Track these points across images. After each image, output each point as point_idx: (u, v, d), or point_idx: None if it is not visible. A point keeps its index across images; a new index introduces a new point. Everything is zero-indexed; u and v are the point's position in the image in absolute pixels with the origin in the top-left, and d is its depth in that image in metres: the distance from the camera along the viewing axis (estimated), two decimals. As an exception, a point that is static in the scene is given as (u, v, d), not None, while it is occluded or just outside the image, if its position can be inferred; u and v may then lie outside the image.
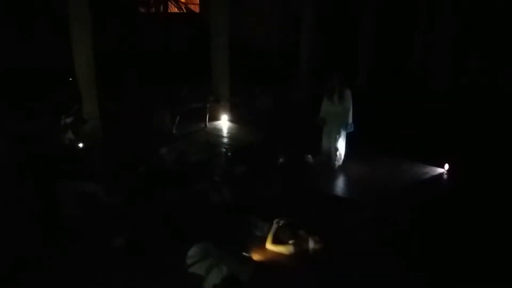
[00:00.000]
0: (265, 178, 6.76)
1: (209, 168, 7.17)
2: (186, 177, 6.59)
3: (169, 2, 14.98)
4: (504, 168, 7.48)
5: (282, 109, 11.15)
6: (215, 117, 10.36)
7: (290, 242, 4.86)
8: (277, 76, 13.46)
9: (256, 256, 4.78)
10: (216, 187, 6.20)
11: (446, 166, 7.33)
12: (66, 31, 8.44)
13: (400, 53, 14.67)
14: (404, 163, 7.65)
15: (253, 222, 5.25)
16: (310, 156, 7.57)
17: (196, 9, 17.26)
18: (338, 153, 7.33)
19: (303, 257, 4.75)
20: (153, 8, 14.86)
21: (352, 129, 7.29)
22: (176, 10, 15.19)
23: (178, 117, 9.49)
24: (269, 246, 4.93)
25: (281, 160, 7.52)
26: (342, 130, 7.24)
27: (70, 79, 8.71)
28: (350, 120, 7.24)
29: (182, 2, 15.73)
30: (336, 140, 7.28)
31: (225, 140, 9.13)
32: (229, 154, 7.64)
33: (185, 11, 15.32)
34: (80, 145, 8.04)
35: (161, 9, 14.87)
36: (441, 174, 7.29)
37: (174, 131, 9.41)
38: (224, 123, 10.31)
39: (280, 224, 5.05)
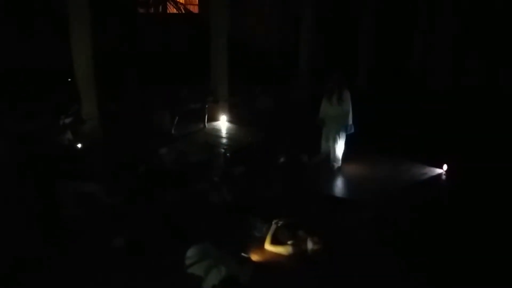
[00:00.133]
0: (265, 178, 6.76)
1: (209, 168, 7.17)
2: (186, 177, 6.59)
3: (168, 3, 14.99)
4: (504, 168, 7.48)
5: (281, 109, 11.15)
6: (214, 118, 10.35)
7: (289, 242, 4.86)
8: (277, 76, 13.46)
9: (255, 257, 4.77)
10: (216, 187, 6.20)
11: (445, 167, 7.32)
12: (65, 31, 8.44)
13: (400, 53, 14.67)
14: (403, 164, 7.65)
15: (252, 223, 5.25)
16: (306, 155, 7.57)
17: (195, 9, 17.27)
18: (337, 154, 7.33)
19: (302, 257, 4.74)
20: (152, 9, 14.86)
21: (352, 131, 7.29)
22: (174, 11, 15.20)
23: (177, 117, 9.49)
24: (268, 246, 4.92)
25: (281, 160, 7.53)
26: (341, 132, 7.24)
27: (69, 79, 8.70)
28: (350, 121, 7.23)
29: (181, 3, 15.74)
30: (335, 141, 7.27)
31: (224, 140, 9.12)
32: (228, 154, 7.64)
33: (183, 11, 15.33)
34: (79, 145, 8.04)
35: (160, 10, 14.87)
36: (440, 174, 7.29)
37: (173, 131, 9.41)
38: (223, 123, 10.31)
39: (279, 225, 5.05)
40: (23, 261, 4.70)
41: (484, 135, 9.32)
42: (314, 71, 12.25)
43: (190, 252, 4.51)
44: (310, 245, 4.75)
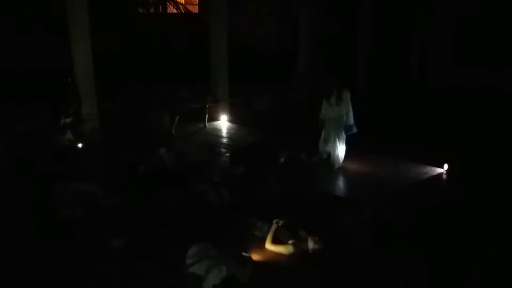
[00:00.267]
0: (265, 178, 6.75)
1: (209, 168, 7.16)
2: (186, 177, 6.58)
3: (168, 3, 14.99)
4: (504, 168, 7.49)
5: (281, 110, 11.15)
6: (214, 118, 10.36)
7: (290, 242, 4.85)
8: (277, 76, 13.46)
9: (255, 256, 4.77)
10: (216, 187, 6.19)
11: (446, 166, 7.32)
12: (65, 31, 8.43)
13: (400, 53, 14.66)
14: (403, 163, 7.65)
15: (253, 223, 5.24)
16: (306, 155, 7.57)
17: (195, 9, 17.28)
18: (336, 154, 7.32)
19: (302, 257, 4.74)
20: (152, 9, 14.86)
21: (355, 131, 7.28)
22: (174, 11, 15.20)
23: (178, 117, 9.49)
24: (269, 246, 4.92)
25: (282, 159, 7.53)
26: (341, 133, 7.22)
27: (69, 80, 8.69)
28: (351, 122, 7.23)
29: (181, 3, 15.75)
30: (335, 143, 7.27)
31: (225, 140, 9.12)
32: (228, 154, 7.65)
33: (183, 11, 15.34)
34: (79, 145, 8.03)
35: (160, 10, 14.87)
36: (441, 174, 7.29)
37: (173, 131, 9.41)
38: (223, 123, 10.31)
39: (280, 224, 5.04)
40: (21, 261, 4.69)
41: (484, 135, 9.33)
42: (313, 72, 12.25)
43: (191, 252, 4.49)
44: (310, 244, 4.74)
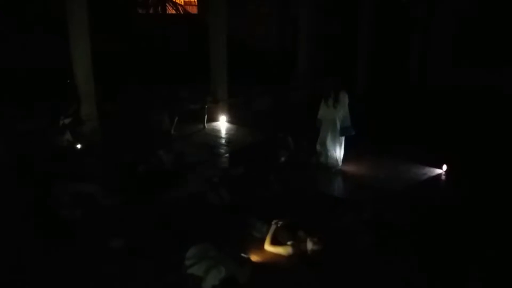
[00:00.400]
0: (264, 178, 6.74)
1: (208, 169, 7.16)
2: (185, 178, 6.57)
3: (167, 4, 15.00)
4: (503, 168, 7.48)
5: (281, 110, 11.14)
6: (213, 118, 10.35)
7: (289, 243, 4.84)
8: (276, 76, 13.46)
9: (254, 257, 4.76)
10: (215, 187, 6.19)
11: (444, 167, 7.32)
12: (65, 32, 8.43)
13: (400, 53, 14.66)
14: (402, 164, 7.64)
15: (252, 223, 5.24)
16: (305, 155, 7.57)
17: (194, 10, 17.29)
18: (334, 156, 7.31)
19: (301, 258, 4.73)
20: (152, 9, 14.87)
21: (352, 133, 7.26)
22: (173, 12, 15.22)
23: (177, 118, 9.48)
24: (268, 247, 4.91)
25: (281, 160, 7.53)
26: (338, 134, 7.21)
27: (69, 80, 8.69)
28: (347, 124, 7.20)
29: (180, 4, 15.77)
30: (332, 143, 7.26)
31: (224, 141, 9.11)
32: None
33: (181, 12, 15.36)
34: (79, 146, 8.03)
35: (159, 10, 14.88)
36: (439, 174, 7.28)
37: (172, 131, 9.40)
38: (222, 124, 10.30)
39: (279, 225, 5.04)
40: (21, 261, 4.68)
41: (484, 135, 9.32)
42: (313, 72, 12.24)
43: (190, 253, 4.50)
44: (310, 245, 4.73)
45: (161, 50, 13.70)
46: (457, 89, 12.90)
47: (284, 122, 10.03)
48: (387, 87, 13.62)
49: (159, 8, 14.83)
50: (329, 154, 7.31)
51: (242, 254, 4.67)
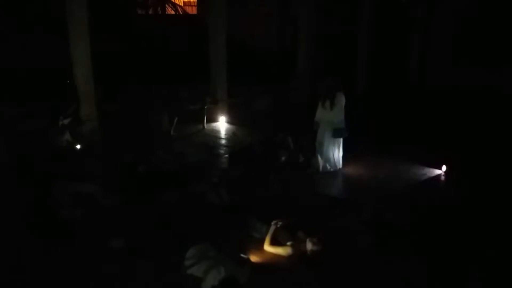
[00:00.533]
0: (264, 178, 6.74)
1: (208, 169, 7.16)
2: (185, 178, 6.57)
3: (166, 5, 15.01)
4: (504, 168, 7.48)
5: (281, 110, 11.14)
6: (213, 119, 10.35)
7: (288, 243, 4.84)
8: (276, 76, 13.46)
9: (254, 258, 4.76)
10: (215, 188, 6.18)
11: (444, 167, 7.32)
12: (65, 32, 8.43)
13: (400, 53, 14.66)
14: (402, 164, 7.64)
15: (251, 224, 5.23)
16: (305, 156, 7.57)
17: (194, 10, 17.31)
18: (332, 157, 7.30)
19: (301, 258, 4.73)
20: (151, 10, 14.87)
21: (344, 135, 7.24)
22: (172, 12, 15.23)
23: (176, 118, 9.48)
24: (267, 247, 4.90)
25: (282, 159, 7.53)
26: (334, 136, 7.20)
27: (68, 80, 8.69)
28: (341, 125, 7.18)
29: (179, 5, 15.78)
30: (330, 145, 7.25)
31: (223, 141, 9.11)
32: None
33: (181, 13, 15.37)
34: (78, 146, 8.03)
35: (159, 11, 14.88)
36: (439, 175, 7.28)
37: (172, 132, 9.40)
38: (222, 124, 10.30)
39: (279, 226, 5.03)
40: (21, 261, 4.68)
41: (484, 135, 9.32)
42: (313, 72, 12.24)
43: (190, 253, 4.50)
44: (309, 246, 4.73)
45: (161, 50, 13.71)
46: (457, 89, 12.90)
47: (284, 122, 10.03)
48: (387, 87, 13.62)
49: (159, 9, 14.83)
50: (326, 156, 7.29)
51: (242, 255, 4.67)
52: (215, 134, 9.65)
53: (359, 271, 4.57)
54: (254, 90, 11.73)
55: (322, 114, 7.23)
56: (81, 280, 4.40)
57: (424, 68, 14.31)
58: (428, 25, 13.98)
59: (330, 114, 7.14)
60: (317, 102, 7.35)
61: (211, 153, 8.24)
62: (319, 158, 7.31)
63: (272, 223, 5.07)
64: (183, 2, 17.06)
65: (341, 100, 7.12)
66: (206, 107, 10.06)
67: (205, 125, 10.00)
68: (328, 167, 7.31)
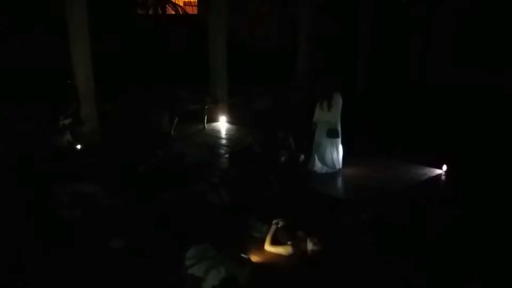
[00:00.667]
0: (264, 178, 6.74)
1: (208, 169, 7.16)
2: (185, 178, 6.57)
3: (167, 5, 15.02)
4: (504, 168, 7.48)
5: (281, 110, 11.14)
6: (213, 119, 10.35)
7: (289, 243, 4.84)
8: (276, 76, 13.46)
9: (254, 257, 4.76)
10: (215, 188, 6.18)
11: (444, 167, 7.31)
12: (65, 32, 8.43)
13: (400, 53, 14.67)
14: (402, 164, 7.64)
15: (252, 223, 5.23)
16: (303, 155, 7.57)
17: (194, 10, 17.31)
18: (330, 158, 7.29)
19: (301, 258, 4.73)
20: (151, 10, 14.88)
21: (337, 137, 7.22)
22: (173, 12, 15.24)
23: (177, 118, 9.48)
24: (268, 247, 4.90)
25: (282, 159, 7.53)
26: (326, 136, 7.20)
27: (68, 81, 8.70)
28: (336, 126, 7.17)
29: (179, 5, 15.79)
30: (328, 146, 7.24)
31: (224, 141, 9.11)
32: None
33: (181, 13, 15.38)
34: (78, 146, 8.03)
35: (159, 11, 14.89)
36: (439, 175, 7.28)
37: (172, 132, 9.40)
38: (222, 124, 10.30)
39: (279, 226, 5.03)
40: (21, 261, 4.68)
41: (484, 135, 9.32)
42: (313, 72, 12.25)
43: (190, 253, 4.49)
44: (309, 245, 4.73)
45: (161, 50, 13.71)
46: (457, 89, 12.92)
47: (284, 122, 10.02)
48: (387, 87, 13.62)
49: (159, 9, 14.83)
50: (324, 156, 7.27)
51: (242, 255, 4.66)
52: (215, 134, 9.65)
53: (359, 271, 4.57)
54: (254, 90, 11.73)
55: (320, 115, 7.24)
56: (81, 280, 4.40)
57: (424, 68, 14.32)
58: (428, 25, 13.99)
59: (328, 115, 7.14)
60: (315, 103, 7.35)
61: (211, 153, 8.24)
62: (316, 158, 7.31)
63: (273, 222, 5.07)
64: (183, 2, 17.07)
65: (339, 101, 7.12)
66: (206, 107, 10.06)
67: (205, 125, 10.01)
68: (326, 168, 7.29)
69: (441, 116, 10.81)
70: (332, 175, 7.26)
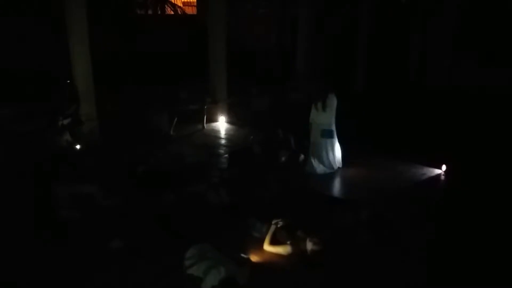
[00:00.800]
0: (263, 179, 6.74)
1: (207, 169, 7.16)
2: (184, 178, 6.57)
3: (166, 5, 15.03)
4: (503, 168, 7.48)
5: (280, 110, 11.13)
6: (213, 119, 10.35)
7: (288, 243, 4.84)
8: (275, 77, 13.46)
9: (254, 258, 4.76)
10: (214, 188, 6.18)
11: (444, 167, 7.32)
12: (64, 32, 8.43)
13: (400, 53, 14.68)
14: (402, 164, 7.64)
15: (251, 223, 5.23)
16: (302, 155, 7.57)
17: (194, 10, 17.32)
18: (328, 158, 7.28)
19: (301, 258, 4.73)
20: (151, 10, 14.89)
21: (332, 137, 7.22)
22: (172, 13, 15.25)
23: (176, 118, 9.48)
24: (267, 247, 4.91)
25: (282, 159, 7.52)
26: (320, 136, 7.20)
27: (68, 80, 8.69)
28: (330, 127, 7.17)
29: (178, 6, 15.80)
30: (325, 146, 7.23)
31: (223, 141, 9.11)
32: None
33: (180, 13, 15.39)
34: (77, 146, 8.03)
35: (158, 11, 14.90)
36: (439, 175, 7.28)
37: (172, 132, 9.39)
38: (222, 124, 10.30)
39: (279, 225, 5.03)
40: (21, 261, 4.68)
41: (484, 135, 9.32)
42: (313, 72, 12.25)
43: (189, 253, 4.50)
44: (309, 245, 4.73)
45: (160, 50, 13.71)
46: (457, 89, 12.92)
47: (284, 122, 10.02)
48: (387, 87, 13.62)
49: (158, 9, 14.85)
50: (320, 156, 7.25)
51: (242, 254, 4.67)
52: (214, 134, 9.65)
53: (359, 271, 4.57)
54: (253, 90, 11.72)
55: (315, 115, 7.25)
56: (81, 280, 4.40)
57: (424, 68, 14.32)
58: (428, 25, 14.00)
59: (322, 115, 7.14)
60: (311, 103, 7.36)
61: (211, 153, 8.23)
62: (313, 159, 7.31)
63: (273, 222, 5.07)
64: (183, 2, 17.06)
65: (333, 102, 7.12)
66: (205, 107, 10.06)
67: (204, 125, 10.00)
68: (324, 168, 7.29)
69: (441, 116, 10.81)
70: (331, 175, 7.26)
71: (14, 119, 8.38)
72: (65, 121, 8.23)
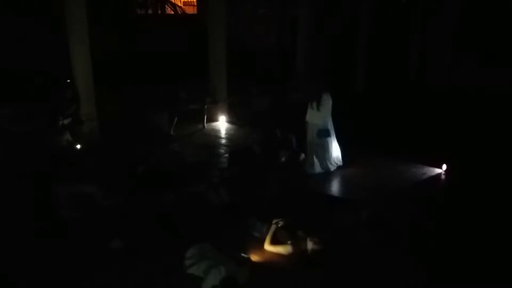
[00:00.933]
0: (264, 178, 6.74)
1: (208, 169, 7.16)
2: (185, 178, 6.57)
3: (166, 5, 15.02)
4: (503, 168, 7.48)
5: (280, 110, 11.13)
6: (213, 118, 10.35)
7: (289, 242, 4.84)
8: (276, 76, 13.46)
9: (254, 257, 4.76)
10: (215, 188, 6.18)
11: (444, 167, 7.32)
12: (64, 32, 8.43)
13: (400, 53, 14.68)
14: (402, 164, 7.64)
15: (251, 223, 5.24)
16: (303, 155, 7.57)
17: (194, 10, 17.32)
18: (325, 158, 7.28)
19: (301, 257, 4.73)
20: (151, 10, 14.88)
21: (327, 137, 7.21)
22: (172, 12, 15.24)
23: (176, 118, 9.48)
24: (268, 247, 4.91)
25: (282, 159, 7.52)
26: (315, 136, 7.20)
27: (68, 80, 8.70)
28: (325, 127, 7.17)
29: (178, 6, 15.79)
30: (317, 145, 7.23)
31: (223, 141, 9.11)
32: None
33: (180, 13, 15.39)
34: (78, 146, 8.03)
35: (158, 11, 14.89)
36: (439, 174, 7.28)
37: (172, 132, 9.39)
38: (222, 124, 10.30)
39: (279, 225, 5.04)
40: (21, 261, 4.69)
41: (484, 135, 9.32)
42: (312, 71, 12.24)
43: (190, 253, 4.50)
44: (309, 245, 4.73)
45: (160, 50, 13.71)
46: (457, 89, 12.92)
47: (284, 122, 10.01)
48: (387, 86, 13.62)
49: (158, 9, 14.84)
50: (317, 156, 7.25)
51: (242, 254, 4.67)
52: (215, 134, 9.65)
53: (358, 271, 4.57)
54: (253, 90, 11.73)
55: (311, 115, 7.24)
56: (81, 280, 4.40)
57: (424, 68, 14.32)
58: (428, 25, 14.00)
59: (317, 115, 7.14)
60: (307, 103, 7.37)
61: (211, 153, 8.23)
62: (310, 159, 7.30)
63: (273, 222, 5.07)
64: (183, 2, 17.06)
65: (328, 101, 7.12)
66: (206, 106, 10.06)
67: (205, 125, 10.00)
68: (321, 167, 7.27)
69: (441, 116, 10.80)
70: (331, 175, 7.26)
71: (14, 119, 8.38)
72: (65, 121, 8.23)
